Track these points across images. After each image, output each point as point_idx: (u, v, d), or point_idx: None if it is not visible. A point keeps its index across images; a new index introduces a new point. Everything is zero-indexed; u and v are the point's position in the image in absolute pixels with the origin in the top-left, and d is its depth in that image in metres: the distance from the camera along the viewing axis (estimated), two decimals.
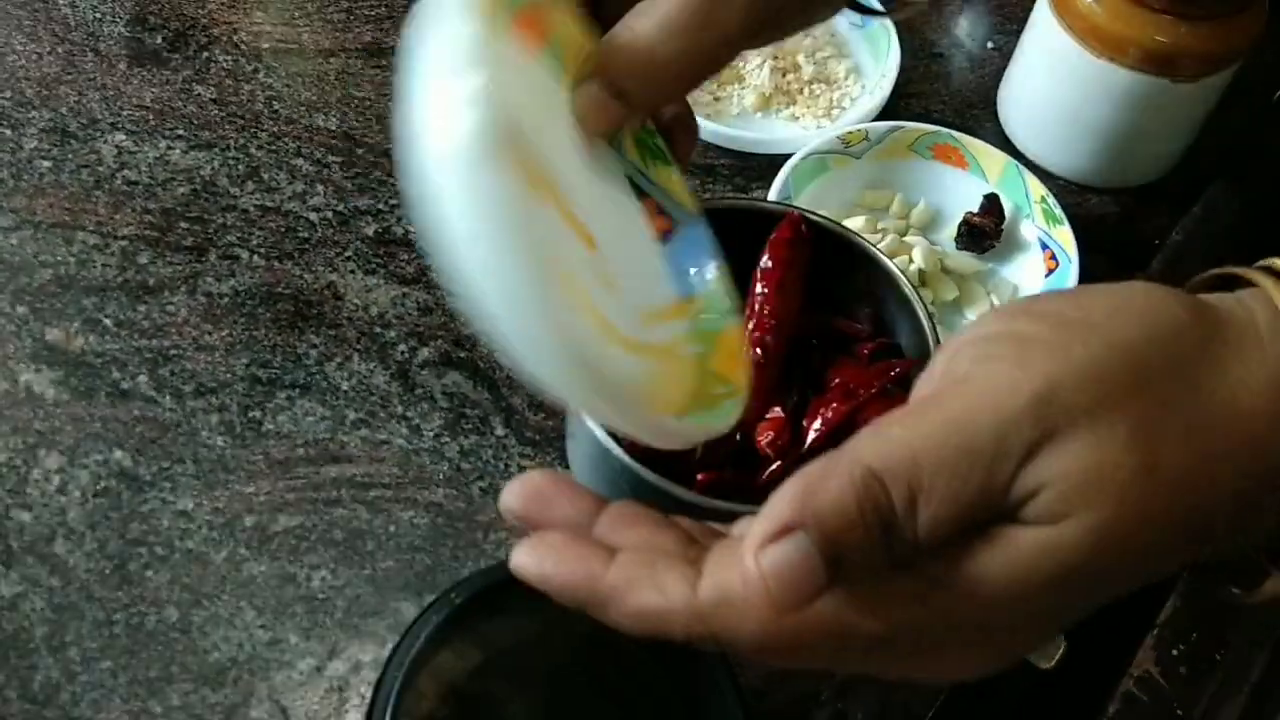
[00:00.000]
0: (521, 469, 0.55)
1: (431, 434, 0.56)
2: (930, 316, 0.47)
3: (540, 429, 0.56)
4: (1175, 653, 0.49)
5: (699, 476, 0.44)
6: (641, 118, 0.37)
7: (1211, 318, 0.29)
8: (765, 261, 0.48)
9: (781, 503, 0.27)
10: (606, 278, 0.32)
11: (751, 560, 0.26)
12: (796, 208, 0.50)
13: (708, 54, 0.35)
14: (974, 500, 0.26)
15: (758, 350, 0.47)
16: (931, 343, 0.46)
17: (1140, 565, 0.28)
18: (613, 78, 0.34)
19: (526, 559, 0.28)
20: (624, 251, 0.35)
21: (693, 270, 0.37)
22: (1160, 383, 0.27)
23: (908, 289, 0.48)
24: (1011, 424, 0.26)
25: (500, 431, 0.56)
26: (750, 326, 0.47)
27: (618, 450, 0.43)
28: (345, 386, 0.57)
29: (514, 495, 0.30)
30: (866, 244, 0.49)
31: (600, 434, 0.43)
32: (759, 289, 0.48)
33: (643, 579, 0.27)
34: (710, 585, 0.27)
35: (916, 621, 0.27)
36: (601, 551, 0.28)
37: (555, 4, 0.35)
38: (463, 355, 0.59)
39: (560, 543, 0.28)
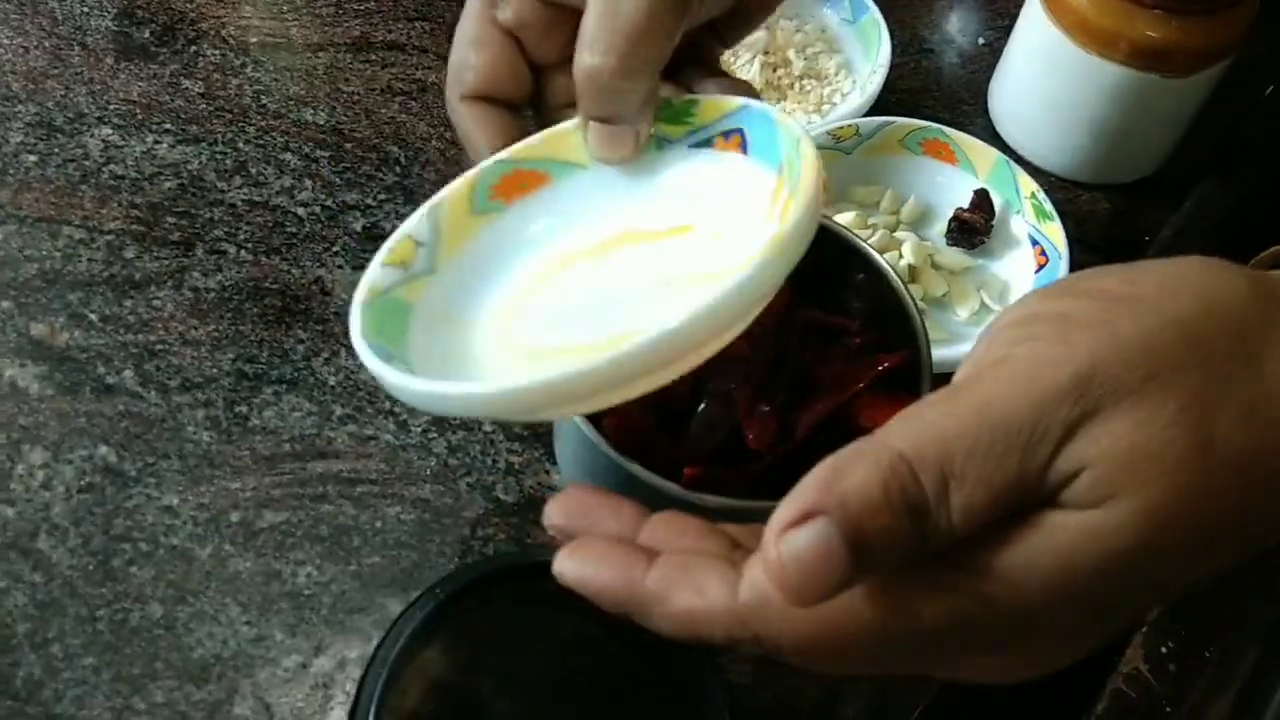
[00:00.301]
0: (509, 465, 0.55)
1: (419, 430, 0.56)
2: (920, 312, 0.47)
3: (528, 425, 0.56)
4: (1164, 650, 0.49)
5: (686, 471, 0.44)
6: (645, 121, 0.37)
7: (1276, 292, 0.27)
8: None
9: (806, 488, 0.25)
10: (714, 235, 0.37)
11: (773, 546, 0.25)
12: None
13: (631, 50, 0.35)
14: (1010, 484, 0.25)
15: (745, 345, 0.46)
16: (921, 338, 0.46)
17: (1198, 552, 0.26)
18: (589, 112, 0.36)
19: (568, 563, 0.28)
20: (717, 204, 0.38)
21: (770, 142, 0.37)
22: (1218, 358, 0.26)
23: (897, 284, 0.48)
24: (1050, 402, 0.25)
25: (488, 427, 0.56)
26: None
27: (605, 446, 0.42)
28: (332, 382, 0.57)
29: (557, 509, 0.30)
30: (856, 239, 0.49)
31: (587, 429, 0.43)
32: None
33: (682, 581, 0.27)
34: (749, 585, 0.26)
35: (959, 615, 0.26)
36: (642, 555, 0.28)
37: (532, 148, 0.39)
38: None
39: (602, 547, 0.28)
